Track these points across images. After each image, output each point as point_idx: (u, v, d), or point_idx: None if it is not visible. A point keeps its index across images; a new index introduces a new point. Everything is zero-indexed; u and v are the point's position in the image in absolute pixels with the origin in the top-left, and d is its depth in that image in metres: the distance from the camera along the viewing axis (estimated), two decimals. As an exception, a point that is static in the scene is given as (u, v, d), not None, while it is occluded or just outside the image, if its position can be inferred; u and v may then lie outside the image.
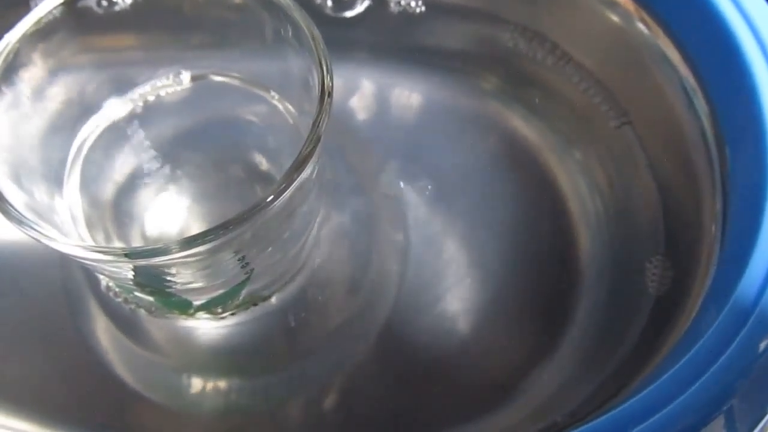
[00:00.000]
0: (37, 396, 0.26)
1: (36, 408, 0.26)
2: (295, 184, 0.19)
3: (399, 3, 0.32)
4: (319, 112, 0.20)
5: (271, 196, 0.19)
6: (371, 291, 0.28)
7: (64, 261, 0.27)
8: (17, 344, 0.27)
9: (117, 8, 0.24)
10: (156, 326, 0.28)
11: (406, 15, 0.32)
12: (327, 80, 0.20)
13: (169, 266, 0.21)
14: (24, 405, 0.26)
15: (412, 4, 0.32)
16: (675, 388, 0.20)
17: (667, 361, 0.22)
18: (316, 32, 0.21)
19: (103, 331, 0.27)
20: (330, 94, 0.20)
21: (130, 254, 0.19)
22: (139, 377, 0.27)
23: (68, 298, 0.28)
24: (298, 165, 0.19)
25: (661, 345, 0.24)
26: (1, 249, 0.28)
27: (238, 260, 0.21)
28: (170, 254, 0.19)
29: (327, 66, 0.20)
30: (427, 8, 0.32)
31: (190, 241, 0.19)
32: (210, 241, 0.19)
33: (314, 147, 0.19)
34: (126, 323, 0.27)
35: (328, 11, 0.32)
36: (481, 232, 0.29)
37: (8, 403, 0.26)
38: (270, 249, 0.22)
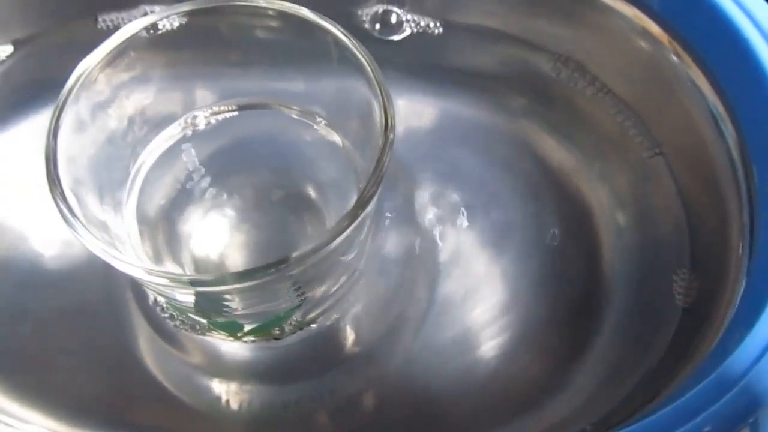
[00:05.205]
0: (81, 401, 0.27)
1: (80, 412, 0.27)
2: (358, 220, 0.20)
3: (419, 24, 0.33)
4: (383, 152, 0.20)
5: (335, 233, 0.20)
6: (402, 306, 0.29)
7: (109, 271, 0.28)
8: (63, 350, 0.28)
9: (163, 31, 0.24)
10: (194, 336, 0.28)
11: (427, 36, 0.33)
12: (390, 119, 0.21)
13: (229, 293, 0.21)
14: (68, 409, 0.27)
15: (431, 24, 0.33)
16: (703, 400, 0.21)
17: (697, 373, 0.23)
18: (380, 74, 0.21)
19: (144, 338, 0.28)
20: (392, 140, 0.20)
21: (194, 282, 0.20)
22: (176, 382, 0.28)
23: (112, 307, 0.28)
24: (363, 203, 0.20)
25: (690, 356, 0.25)
26: (47, 258, 0.29)
27: (295, 289, 0.22)
28: (232, 284, 0.20)
29: (389, 104, 0.21)
30: (445, 29, 0.33)
31: (248, 274, 0.19)
32: (272, 275, 0.19)
33: (378, 185, 0.20)
34: (167, 332, 0.28)
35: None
36: (510, 248, 0.30)
37: (53, 406, 0.27)
38: (326, 279, 0.23)
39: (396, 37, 0.33)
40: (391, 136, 0.20)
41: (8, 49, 0.32)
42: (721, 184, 0.27)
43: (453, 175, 0.31)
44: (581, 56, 0.32)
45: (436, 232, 0.30)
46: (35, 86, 0.32)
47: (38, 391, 0.27)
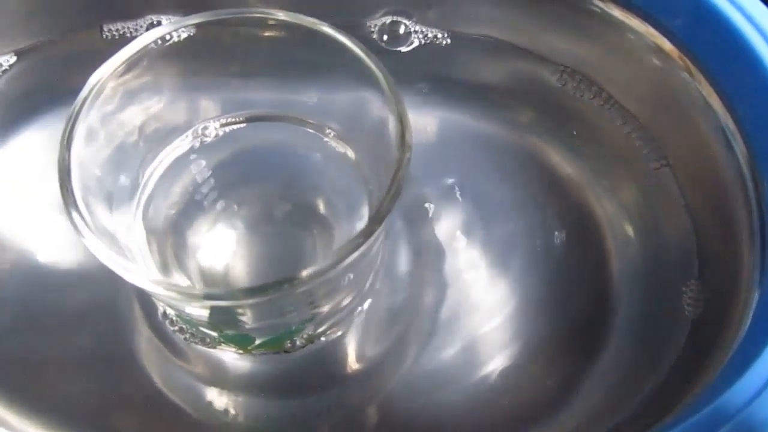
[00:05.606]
0: (84, 413, 0.27)
1: (83, 424, 0.27)
2: (373, 237, 0.20)
3: (426, 35, 0.33)
4: (398, 170, 0.20)
5: (350, 249, 0.19)
6: (408, 319, 0.29)
7: (115, 283, 0.28)
8: (69, 364, 0.28)
9: (176, 42, 0.24)
10: (201, 349, 0.28)
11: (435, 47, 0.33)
12: (408, 138, 0.21)
13: (241, 307, 0.21)
14: (70, 421, 0.27)
15: (439, 36, 0.33)
16: (714, 420, 0.21)
17: (708, 389, 0.23)
18: (395, 87, 0.21)
19: (150, 350, 0.28)
20: (409, 158, 0.20)
21: (205, 296, 0.20)
22: (182, 394, 0.27)
23: (119, 319, 0.28)
24: (379, 219, 0.20)
25: (701, 370, 0.25)
26: (53, 268, 0.29)
27: (308, 303, 0.22)
28: (243, 299, 0.20)
29: (406, 120, 0.21)
30: (452, 40, 0.33)
31: (261, 289, 0.19)
32: (285, 291, 0.19)
33: (393, 203, 0.20)
34: (173, 344, 0.28)
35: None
36: (516, 261, 0.30)
37: (55, 418, 0.27)
38: (339, 293, 0.23)
39: (404, 49, 0.33)
40: (408, 154, 0.20)
41: (11, 58, 0.31)
42: (729, 197, 0.27)
43: (459, 186, 0.31)
44: (588, 68, 0.32)
45: (442, 245, 0.30)
46: (39, 95, 0.32)
47: (40, 402, 0.27)
